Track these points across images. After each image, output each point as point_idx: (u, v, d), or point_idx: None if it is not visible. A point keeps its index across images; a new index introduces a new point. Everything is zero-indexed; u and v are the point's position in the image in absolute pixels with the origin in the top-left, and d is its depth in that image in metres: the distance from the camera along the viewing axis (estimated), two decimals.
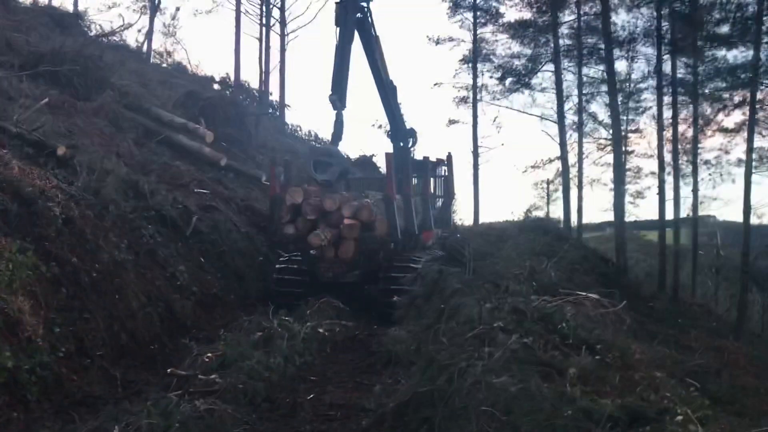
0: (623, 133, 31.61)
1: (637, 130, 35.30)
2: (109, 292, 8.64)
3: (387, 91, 14.19)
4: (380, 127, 29.37)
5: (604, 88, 34.24)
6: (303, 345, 8.59)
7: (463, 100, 36.35)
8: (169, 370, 7.31)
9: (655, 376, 6.97)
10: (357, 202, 11.99)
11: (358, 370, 8.11)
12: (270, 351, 7.94)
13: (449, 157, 15.90)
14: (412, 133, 14.87)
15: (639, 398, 5.95)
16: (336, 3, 12.20)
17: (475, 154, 34.56)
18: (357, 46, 12.88)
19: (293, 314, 10.72)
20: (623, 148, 30.14)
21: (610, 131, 35.29)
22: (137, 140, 15.66)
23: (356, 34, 12.69)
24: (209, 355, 7.32)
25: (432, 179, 14.77)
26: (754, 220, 28.11)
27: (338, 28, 12.15)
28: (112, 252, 9.17)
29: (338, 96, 11.86)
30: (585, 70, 34.27)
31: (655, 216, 31.37)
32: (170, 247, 10.97)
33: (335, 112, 11.95)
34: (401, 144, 14.65)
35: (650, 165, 35.02)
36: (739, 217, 26.63)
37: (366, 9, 13.06)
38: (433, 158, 15.10)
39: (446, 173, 15.81)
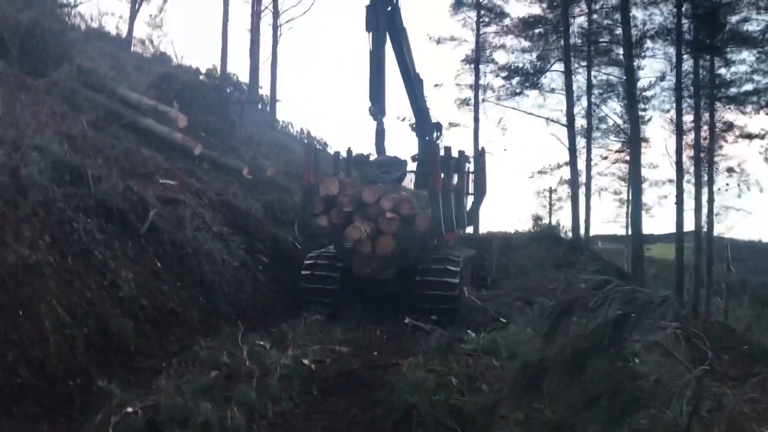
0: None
1: (644, 139, 33.31)
2: (11, 306, 6.17)
3: (414, 84, 13.64)
4: (404, 120, 27.37)
5: (613, 91, 32.35)
6: (279, 386, 6.13)
7: (465, 102, 34.22)
8: None
9: None
10: (397, 194, 11.37)
11: (358, 428, 5.57)
12: (230, 396, 5.49)
13: (482, 151, 15.29)
14: (438, 127, 14.65)
15: None
16: (366, 6, 11.68)
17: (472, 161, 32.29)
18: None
19: (271, 336, 8.35)
20: (641, 153, 27.78)
21: (622, 137, 33.38)
22: (95, 123, 13.17)
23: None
24: (129, 409, 4.83)
25: (459, 175, 13.67)
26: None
27: (370, 33, 11.68)
28: (22, 251, 6.70)
29: (378, 106, 11.66)
30: (595, 72, 32.29)
31: (657, 230, 29.37)
32: (114, 248, 8.46)
33: (375, 122, 11.83)
34: (426, 138, 14.17)
35: (653, 175, 33.17)
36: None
37: (395, 1, 12.35)
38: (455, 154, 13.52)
39: (469, 169, 14.56)
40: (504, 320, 8.84)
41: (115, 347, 7.28)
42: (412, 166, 13.56)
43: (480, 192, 14.72)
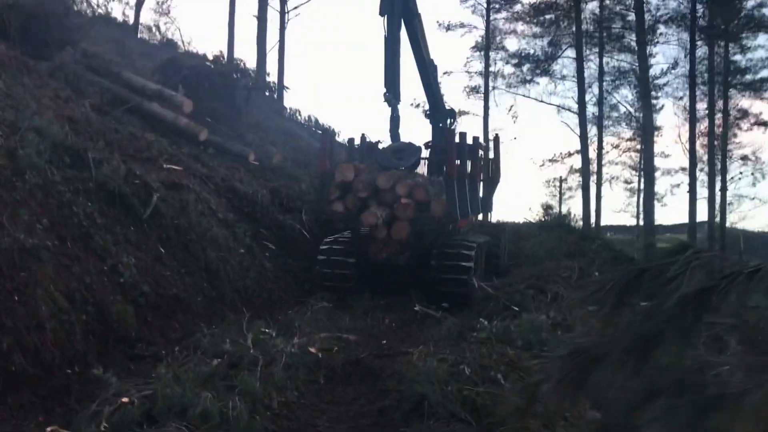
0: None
1: (656, 127, 32.83)
2: (6, 291, 5.93)
3: (428, 70, 13.51)
4: (418, 106, 27.02)
5: (625, 78, 31.89)
6: (285, 374, 5.87)
7: (475, 89, 33.87)
8: (49, 430, 4.56)
9: None
10: (412, 180, 11.27)
11: (366, 419, 5.29)
12: (233, 386, 5.24)
13: (496, 138, 15.34)
14: (451, 114, 14.49)
15: None
16: None
17: (486, 148, 31.91)
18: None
19: (277, 324, 8.10)
20: (653, 142, 27.31)
21: (633, 125, 32.89)
22: (99, 107, 12.95)
23: None
24: (124, 399, 4.58)
25: (473, 161, 13.46)
26: None
27: (385, 18, 11.66)
28: (19, 235, 6.46)
29: (393, 93, 11.69)
30: (607, 59, 31.81)
31: (666, 220, 28.97)
32: (115, 232, 8.22)
33: (390, 108, 11.93)
34: (440, 125, 13.90)
35: (665, 163, 32.73)
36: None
37: None
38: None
39: (482, 155, 14.48)
40: (516, 308, 8.57)
41: (115, 334, 7.06)
42: (425, 152, 13.36)
43: (494, 178, 14.72)
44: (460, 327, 6.96)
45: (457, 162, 11.24)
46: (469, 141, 12.87)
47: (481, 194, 14.12)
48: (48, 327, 6.07)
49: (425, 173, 12.92)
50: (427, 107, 14.58)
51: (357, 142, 13.72)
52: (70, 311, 6.51)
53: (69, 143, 8.98)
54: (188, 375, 5.28)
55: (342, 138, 28.28)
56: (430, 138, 13.94)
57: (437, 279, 10.75)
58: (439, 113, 14.14)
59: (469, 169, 12.68)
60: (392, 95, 11.73)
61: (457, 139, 11.83)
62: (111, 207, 8.57)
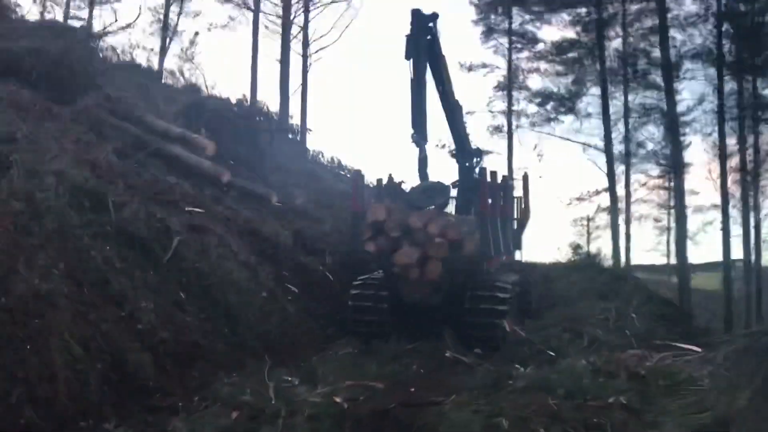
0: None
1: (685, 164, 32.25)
2: (18, 339, 5.68)
3: (454, 111, 13.64)
4: (444, 146, 26.91)
5: (651, 115, 31.46)
6: (309, 426, 5.50)
7: (498, 128, 33.58)
8: None
9: None
10: (444, 219, 11.31)
11: None
12: None
13: (525, 176, 15.35)
14: (477, 153, 14.53)
15: None
16: (406, 36, 11.77)
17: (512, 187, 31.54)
18: None
19: (299, 371, 7.76)
20: (683, 179, 26.67)
21: (661, 162, 32.34)
22: (122, 151, 12.85)
23: None
24: None
25: (504, 199, 13.55)
26: None
27: (410, 61, 11.79)
28: (34, 280, 6.24)
29: (420, 134, 11.76)
30: (632, 97, 31.47)
31: (694, 258, 28.18)
32: (134, 277, 7.98)
33: (418, 149, 11.88)
34: (467, 164, 13.98)
35: (694, 201, 32.10)
36: None
37: (434, 29, 12.41)
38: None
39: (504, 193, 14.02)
40: (552, 353, 8.12)
41: (131, 384, 6.75)
42: (453, 192, 13.48)
43: (524, 217, 14.68)
44: (494, 374, 6.53)
45: (490, 200, 11.24)
46: (498, 179, 12.74)
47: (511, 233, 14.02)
48: (61, 377, 5.80)
49: (454, 212, 12.91)
50: (453, 147, 14.71)
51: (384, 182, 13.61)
52: (85, 360, 6.24)
53: (89, 187, 8.85)
54: (206, 429, 4.93)
55: (366, 180, 28.28)
56: (456, 177, 13.91)
57: (471, 323, 10.63)
58: (465, 153, 14.19)
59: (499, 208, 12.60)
60: (420, 136, 11.81)
61: (488, 178, 11.91)
62: (130, 251, 8.36)
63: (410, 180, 13.00)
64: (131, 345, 7.04)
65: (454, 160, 14.41)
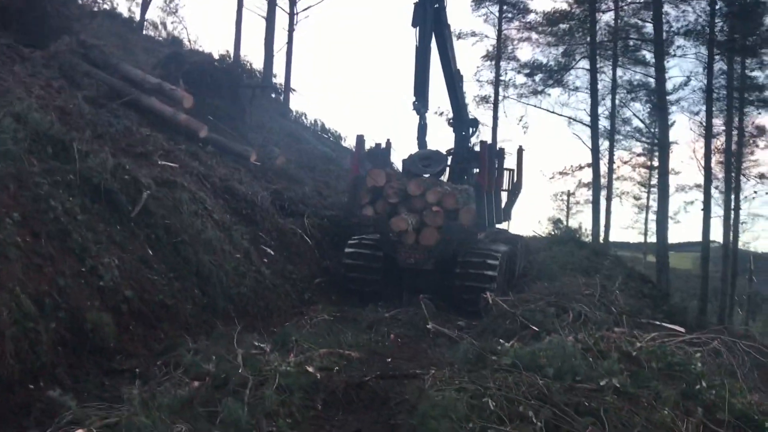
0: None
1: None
2: None
3: (455, 80, 13.88)
4: (442, 114, 26.36)
5: (638, 92, 31.17)
6: (278, 398, 5.07)
7: (485, 99, 33.15)
8: None
9: None
10: (441, 188, 11.67)
11: None
12: (215, 414, 4.45)
13: (520, 149, 15.40)
14: (474, 123, 14.85)
15: None
16: (414, 3, 11.92)
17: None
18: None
19: (272, 337, 7.33)
20: (669, 157, 26.50)
21: (646, 139, 32.19)
22: (95, 99, 12.20)
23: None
24: (79, 431, 3.79)
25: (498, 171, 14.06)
26: None
27: (417, 28, 11.94)
28: None
29: (422, 101, 11.96)
30: (620, 72, 31.11)
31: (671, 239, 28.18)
32: (98, 231, 7.45)
33: (418, 117, 12.22)
34: (463, 133, 14.38)
35: (676, 180, 32.13)
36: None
37: None
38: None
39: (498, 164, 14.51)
40: (536, 328, 7.76)
41: (89, 346, 6.27)
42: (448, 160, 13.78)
43: (516, 189, 15.06)
44: (478, 349, 6.16)
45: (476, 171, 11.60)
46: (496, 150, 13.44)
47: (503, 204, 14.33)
48: (8, 335, 5.29)
49: (447, 180, 13.22)
50: (450, 116, 14.86)
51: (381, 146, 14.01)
52: (37, 317, 5.72)
53: (53, 132, 8.24)
54: (165, 398, 4.49)
55: (347, 143, 27.70)
56: (451, 146, 14.22)
57: (461, 286, 11.03)
58: (462, 122, 14.45)
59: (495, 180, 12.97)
60: (421, 104, 11.99)
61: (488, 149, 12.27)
62: (95, 203, 7.81)
63: (397, 145, 12.87)
64: (91, 303, 6.55)
65: (451, 129, 14.60)
